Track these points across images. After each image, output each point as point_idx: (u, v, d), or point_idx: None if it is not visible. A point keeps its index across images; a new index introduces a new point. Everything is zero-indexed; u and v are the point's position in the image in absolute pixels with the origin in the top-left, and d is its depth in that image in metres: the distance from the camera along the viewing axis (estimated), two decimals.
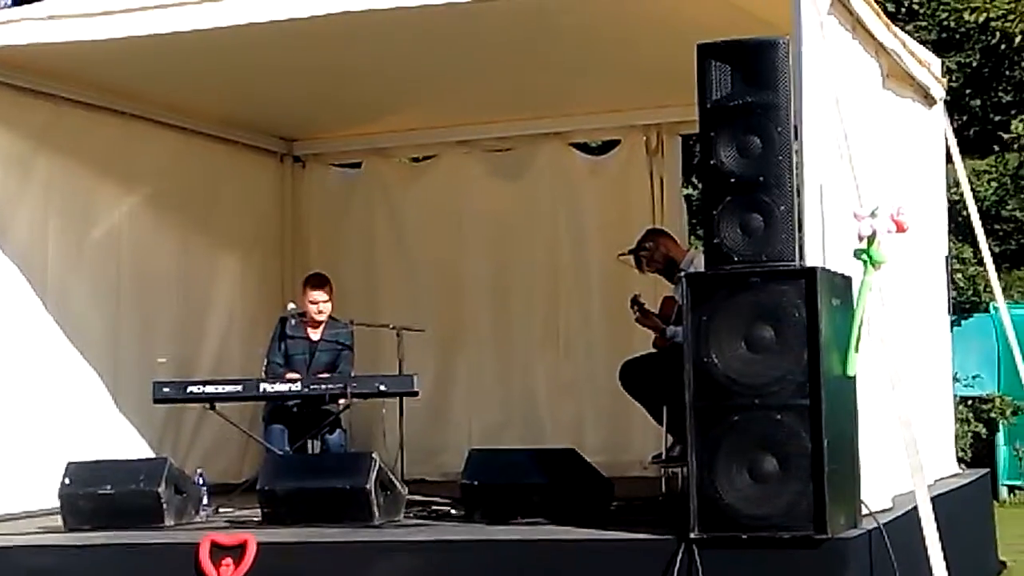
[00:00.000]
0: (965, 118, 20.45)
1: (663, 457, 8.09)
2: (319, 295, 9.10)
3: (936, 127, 8.95)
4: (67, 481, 7.26)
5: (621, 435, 10.02)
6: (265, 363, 9.15)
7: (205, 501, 7.67)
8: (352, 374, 8.89)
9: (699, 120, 6.03)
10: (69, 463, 7.36)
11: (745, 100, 5.92)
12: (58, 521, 7.30)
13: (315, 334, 9.18)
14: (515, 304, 10.68)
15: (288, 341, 9.13)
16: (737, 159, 5.92)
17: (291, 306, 9.21)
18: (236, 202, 10.53)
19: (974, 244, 11.47)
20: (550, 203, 10.67)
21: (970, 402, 14.40)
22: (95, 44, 7.38)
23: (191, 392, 8.29)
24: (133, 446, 9.08)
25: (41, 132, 8.70)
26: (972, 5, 18.14)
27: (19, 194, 8.58)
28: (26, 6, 7.67)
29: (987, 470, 9.93)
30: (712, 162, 5.96)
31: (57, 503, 7.29)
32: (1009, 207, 20.32)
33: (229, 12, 7.10)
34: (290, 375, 8.77)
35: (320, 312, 9.10)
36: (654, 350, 8.37)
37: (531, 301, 10.64)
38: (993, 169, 20.45)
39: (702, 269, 6.26)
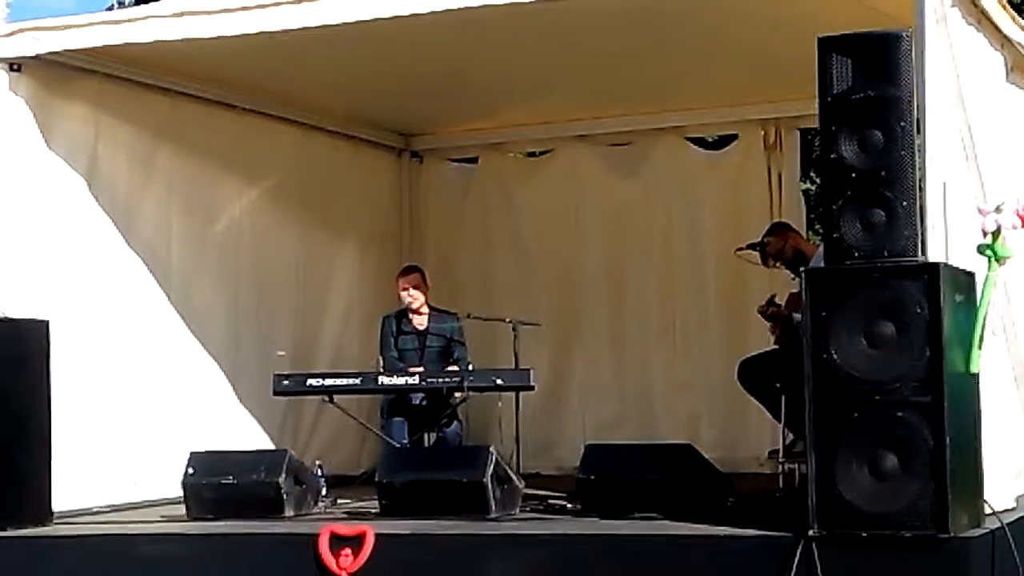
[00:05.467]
0: None
1: (781, 453, 8.03)
2: (404, 281, 9.35)
3: None
4: (190, 471, 7.40)
5: (736, 431, 9.93)
6: (380, 361, 9.25)
7: (324, 492, 7.78)
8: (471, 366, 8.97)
9: (820, 114, 5.97)
10: (192, 453, 7.51)
11: (867, 94, 5.85)
12: (182, 510, 7.44)
13: (421, 325, 9.29)
14: (631, 299, 10.63)
15: (400, 336, 9.25)
16: (858, 153, 5.86)
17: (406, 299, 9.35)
18: (355, 197, 10.62)
19: None
20: (666, 197, 10.60)
21: None
22: (214, 41, 7.45)
23: (310, 385, 8.38)
24: (253, 437, 9.22)
25: (163, 127, 8.82)
26: None
27: (143, 189, 8.73)
28: (148, 5, 7.79)
29: None
30: (833, 156, 5.90)
31: (181, 492, 7.43)
32: None
33: (336, 10, 7.12)
34: (413, 368, 8.86)
35: (411, 297, 9.23)
36: (773, 347, 8.31)
37: (647, 296, 10.58)
38: None
39: None
